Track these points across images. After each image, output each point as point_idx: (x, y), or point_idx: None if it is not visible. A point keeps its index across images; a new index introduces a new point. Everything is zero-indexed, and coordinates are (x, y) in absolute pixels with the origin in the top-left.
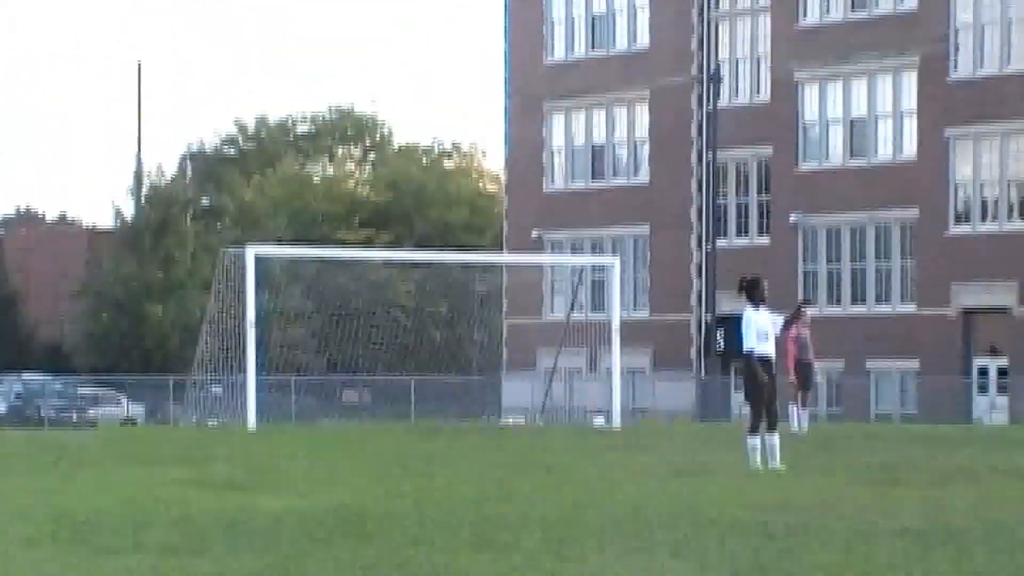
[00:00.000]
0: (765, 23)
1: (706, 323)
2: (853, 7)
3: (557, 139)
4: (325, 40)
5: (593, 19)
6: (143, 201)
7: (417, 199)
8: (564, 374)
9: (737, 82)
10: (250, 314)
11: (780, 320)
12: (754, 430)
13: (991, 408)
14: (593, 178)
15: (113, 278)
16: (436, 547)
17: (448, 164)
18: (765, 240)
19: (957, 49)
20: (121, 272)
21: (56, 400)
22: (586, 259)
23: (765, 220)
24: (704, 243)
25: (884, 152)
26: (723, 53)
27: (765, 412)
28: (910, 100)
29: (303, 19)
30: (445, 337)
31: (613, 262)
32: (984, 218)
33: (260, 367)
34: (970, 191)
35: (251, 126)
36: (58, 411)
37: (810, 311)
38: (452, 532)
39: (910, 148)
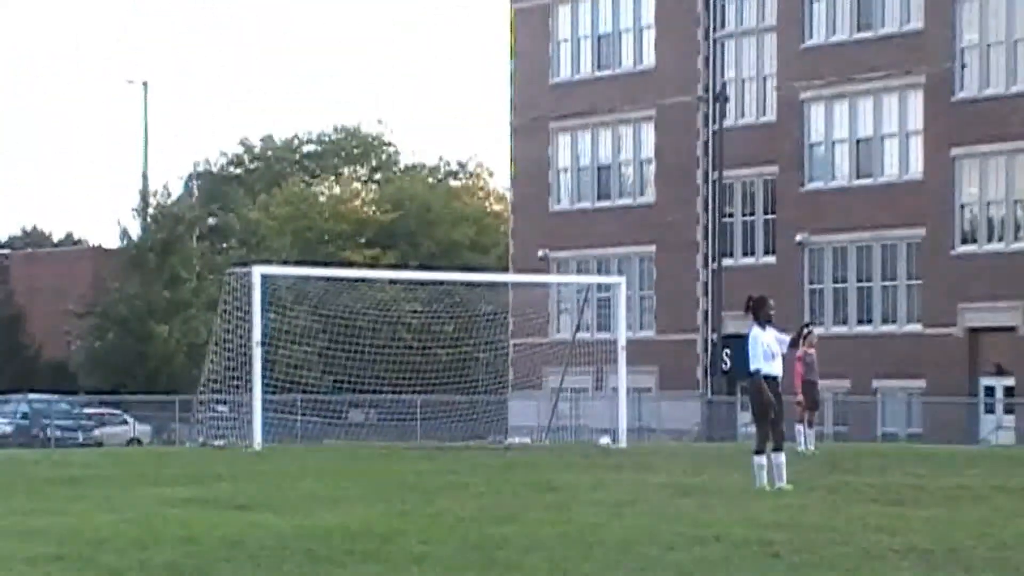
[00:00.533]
0: (771, 42)
1: (712, 343)
2: (859, 27)
3: (563, 159)
4: (331, 60)
5: (599, 38)
6: (149, 221)
7: (423, 218)
8: (570, 394)
9: (743, 102)
10: (256, 334)
11: (786, 338)
12: (760, 449)
13: (997, 428)
14: (599, 198)
15: (119, 298)
16: (440, 567)
17: (454, 183)
18: (771, 260)
19: (963, 68)
20: (127, 292)
21: (62, 420)
22: (592, 279)
23: (771, 239)
24: (710, 263)
25: (890, 171)
26: (729, 72)
27: (771, 431)
28: (916, 119)
29: (310, 39)
30: (451, 356)
31: (619, 282)
32: (990, 238)
33: (266, 387)
34: (976, 210)
35: (257, 146)
36: (64, 431)
37: (817, 331)
38: (457, 552)
39: (916, 167)
